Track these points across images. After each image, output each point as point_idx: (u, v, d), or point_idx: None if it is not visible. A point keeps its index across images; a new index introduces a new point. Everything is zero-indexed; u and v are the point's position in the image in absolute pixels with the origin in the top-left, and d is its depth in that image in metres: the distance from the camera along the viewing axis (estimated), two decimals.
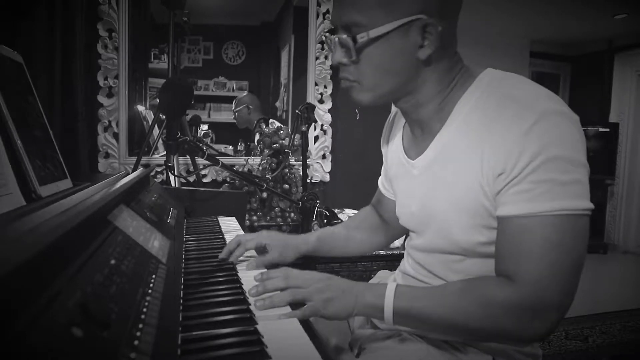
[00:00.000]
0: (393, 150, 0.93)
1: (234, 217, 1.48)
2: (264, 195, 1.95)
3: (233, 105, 2.68)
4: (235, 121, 2.65)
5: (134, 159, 2.04)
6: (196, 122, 2.72)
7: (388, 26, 0.70)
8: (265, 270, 0.86)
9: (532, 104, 0.65)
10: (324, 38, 2.27)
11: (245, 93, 2.76)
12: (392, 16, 0.70)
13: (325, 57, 2.31)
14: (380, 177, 1.07)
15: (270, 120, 2.46)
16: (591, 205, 0.66)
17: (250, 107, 2.62)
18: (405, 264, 0.93)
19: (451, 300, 0.69)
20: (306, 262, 1.53)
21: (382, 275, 1.09)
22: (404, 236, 1.94)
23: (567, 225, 0.64)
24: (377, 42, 0.71)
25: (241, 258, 0.96)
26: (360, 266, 1.73)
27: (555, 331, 0.67)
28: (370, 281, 1.05)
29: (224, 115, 2.83)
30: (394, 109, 0.96)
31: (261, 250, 0.99)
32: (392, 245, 1.85)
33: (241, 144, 2.65)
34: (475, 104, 0.73)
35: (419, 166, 0.82)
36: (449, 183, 0.75)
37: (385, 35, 0.71)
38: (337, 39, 0.75)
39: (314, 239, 1.04)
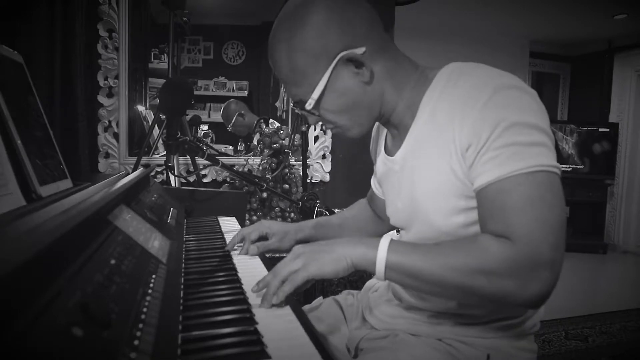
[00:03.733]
0: (379, 153, 0.96)
1: (234, 217, 1.48)
2: (264, 195, 1.95)
3: (224, 120, 2.64)
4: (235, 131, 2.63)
5: (134, 159, 2.04)
6: (196, 122, 2.72)
7: (322, 81, 0.76)
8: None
9: (486, 82, 0.70)
10: None
11: (226, 105, 2.70)
12: (320, 71, 0.75)
13: None
14: (373, 177, 1.11)
15: (270, 120, 2.46)
16: (560, 166, 0.68)
17: (242, 112, 2.60)
18: None
19: (446, 253, 0.67)
20: None
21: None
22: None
23: (541, 181, 0.65)
24: (324, 97, 0.77)
25: (241, 257, 0.97)
26: None
27: (549, 297, 0.65)
28: (366, 285, 1.05)
29: None
30: None
31: (263, 239, 1.04)
32: None
33: (241, 144, 2.65)
34: (440, 95, 0.76)
35: (398, 161, 0.85)
36: (424, 170, 0.77)
37: (326, 89, 0.77)
38: (301, 112, 0.82)
39: (310, 227, 1.09)
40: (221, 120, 2.80)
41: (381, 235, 1.12)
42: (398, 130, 0.85)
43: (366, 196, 1.17)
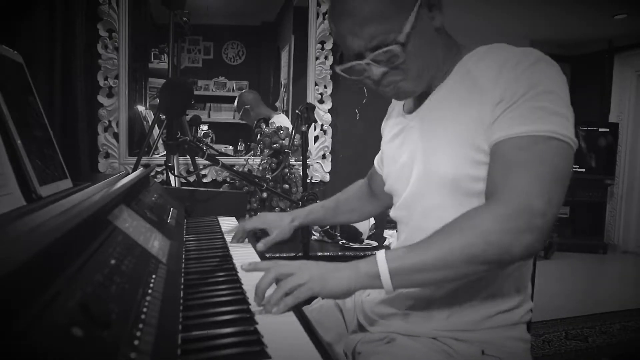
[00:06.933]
0: (393, 118, 0.98)
1: (234, 217, 1.48)
2: (264, 195, 1.95)
3: (236, 107, 2.67)
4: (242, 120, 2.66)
5: (134, 159, 2.04)
6: (196, 122, 2.72)
7: (414, 12, 0.75)
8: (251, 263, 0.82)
9: (529, 52, 0.75)
10: (325, 38, 2.28)
11: (241, 93, 2.73)
12: (407, 7, 0.75)
13: (325, 57, 2.31)
14: (377, 156, 1.14)
15: (271, 120, 2.45)
16: (576, 142, 0.71)
17: (248, 106, 2.63)
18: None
19: (442, 236, 0.70)
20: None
21: None
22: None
23: (556, 147, 0.69)
24: (411, 34, 0.76)
25: (241, 257, 0.97)
26: None
27: (542, 248, 0.69)
28: None
29: (224, 115, 2.83)
30: None
31: (260, 233, 1.12)
32: (391, 245, 1.86)
33: (241, 144, 2.65)
34: (479, 58, 0.80)
35: (416, 116, 0.87)
36: (446, 119, 0.80)
37: (414, 24, 0.75)
38: (369, 61, 0.78)
39: (305, 213, 1.15)
40: (221, 120, 2.80)
41: (372, 215, 1.22)
42: (425, 89, 0.86)
43: (366, 175, 1.21)
